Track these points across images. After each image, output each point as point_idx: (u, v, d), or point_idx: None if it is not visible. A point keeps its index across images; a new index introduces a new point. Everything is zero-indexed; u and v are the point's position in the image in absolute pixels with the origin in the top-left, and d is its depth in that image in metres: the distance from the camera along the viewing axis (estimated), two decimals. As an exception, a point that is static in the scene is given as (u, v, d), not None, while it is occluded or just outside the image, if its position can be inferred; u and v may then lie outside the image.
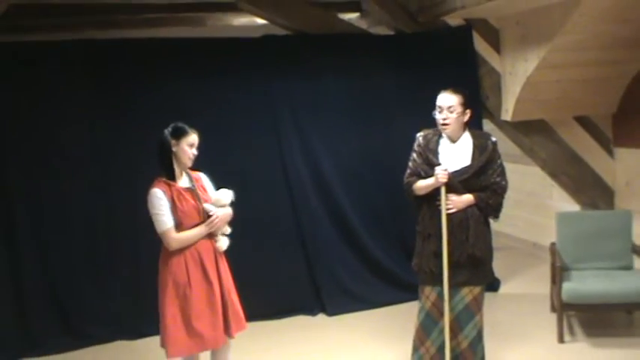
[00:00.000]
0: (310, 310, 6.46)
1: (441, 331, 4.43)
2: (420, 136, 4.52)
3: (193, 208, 4.20)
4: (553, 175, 7.16)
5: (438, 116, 4.36)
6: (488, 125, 7.04)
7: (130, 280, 5.86)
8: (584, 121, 7.02)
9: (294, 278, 6.42)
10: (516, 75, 6.46)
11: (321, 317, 6.42)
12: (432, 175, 4.32)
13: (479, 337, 4.46)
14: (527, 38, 6.22)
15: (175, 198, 4.15)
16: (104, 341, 5.89)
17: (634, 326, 5.75)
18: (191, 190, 4.26)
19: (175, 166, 4.23)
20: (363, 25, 7.26)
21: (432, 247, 4.38)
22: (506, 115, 6.71)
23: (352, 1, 7.05)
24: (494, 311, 6.36)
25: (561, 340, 5.45)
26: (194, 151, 4.26)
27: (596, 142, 7.05)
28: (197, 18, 7.02)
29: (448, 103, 4.32)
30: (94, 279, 5.91)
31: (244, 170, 6.14)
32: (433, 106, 4.44)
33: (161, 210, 4.12)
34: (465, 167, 4.34)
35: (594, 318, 5.89)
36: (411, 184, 4.45)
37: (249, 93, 6.23)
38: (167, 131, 4.22)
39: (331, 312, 6.43)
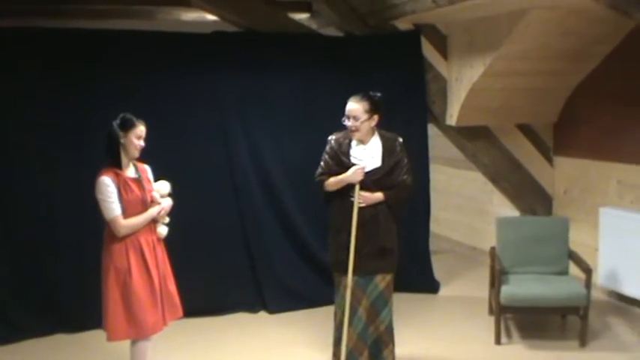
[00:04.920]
0: (251, 307, 6.47)
1: (360, 318, 4.64)
2: (332, 139, 4.74)
3: (138, 198, 4.29)
4: (494, 180, 7.30)
5: (347, 123, 4.58)
6: (432, 130, 7.14)
7: (73, 271, 5.77)
8: (526, 130, 7.19)
9: (236, 275, 6.41)
10: (462, 81, 6.58)
11: (262, 314, 6.43)
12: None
13: (391, 321, 4.77)
14: (474, 46, 6.34)
15: (122, 187, 4.22)
16: (43, 334, 5.79)
17: (567, 329, 5.89)
18: (137, 181, 4.35)
19: (123, 157, 4.29)
20: (313, 25, 7.29)
21: (344, 241, 4.59)
22: (451, 120, 6.82)
23: (303, 1, 7.06)
24: (434, 313, 6.48)
25: (498, 341, 5.57)
26: (141, 143, 4.33)
27: (536, 150, 7.23)
28: (146, 11, 6.94)
29: (353, 111, 4.55)
30: (35, 268, 5.79)
31: (189, 166, 6.11)
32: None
33: (110, 197, 4.19)
34: (376, 168, 4.61)
35: (530, 321, 6.03)
36: (323, 180, 4.68)
37: (197, 89, 6.19)
38: (115, 123, 4.27)
39: (272, 309, 6.45)
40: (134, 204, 4.27)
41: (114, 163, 4.25)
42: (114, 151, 4.26)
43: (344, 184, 4.58)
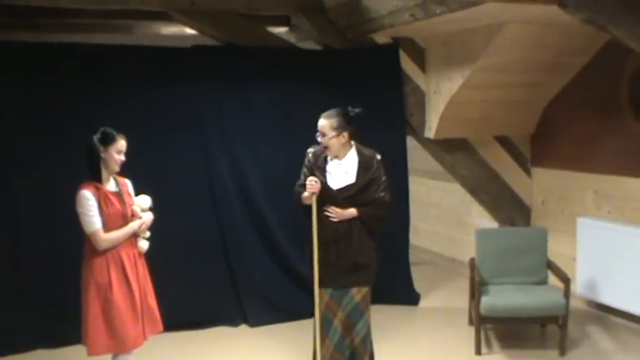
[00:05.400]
0: (232, 320, 6.45)
1: (336, 330, 4.70)
2: (309, 152, 4.79)
3: (118, 211, 4.28)
4: (473, 192, 7.35)
5: (319, 138, 4.63)
6: (411, 142, 7.19)
7: (52, 286, 5.72)
8: (503, 141, 7.25)
9: (217, 289, 6.40)
10: (440, 94, 6.62)
11: (243, 328, 6.42)
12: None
13: (368, 332, 4.79)
14: (452, 58, 6.39)
15: (102, 201, 4.21)
16: (23, 350, 5.72)
17: (546, 339, 5.94)
18: (118, 195, 4.33)
19: (103, 171, 4.28)
20: (292, 39, 7.31)
21: (321, 255, 4.62)
22: (430, 132, 6.87)
23: (282, 15, 7.09)
24: (414, 324, 6.51)
25: (478, 352, 5.59)
26: (122, 157, 4.32)
27: (514, 161, 7.29)
28: (125, 25, 6.93)
29: (321, 128, 4.60)
30: (14, 283, 5.73)
31: (169, 180, 6.10)
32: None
33: (90, 210, 4.17)
34: (350, 185, 4.63)
35: (510, 331, 6.07)
36: (299, 192, 4.71)
37: (177, 102, 6.19)
38: (96, 138, 4.26)
39: (253, 323, 6.44)
40: (115, 218, 4.25)
41: (94, 178, 4.24)
42: (94, 165, 4.25)
43: (312, 196, 4.59)
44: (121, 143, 4.30)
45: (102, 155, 4.24)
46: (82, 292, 4.28)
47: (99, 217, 4.18)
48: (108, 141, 4.25)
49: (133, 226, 4.34)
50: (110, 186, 4.33)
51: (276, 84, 6.54)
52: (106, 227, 4.21)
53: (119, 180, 4.43)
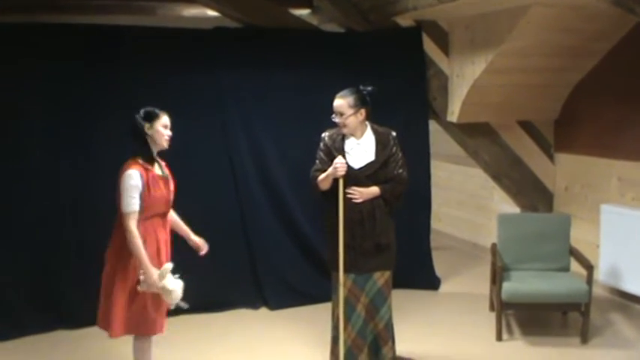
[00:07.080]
0: (252, 303, 6.47)
1: (359, 315, 4.68)
2: (325, 136, 4.75)
3: (163, 196, 4.23)
4: (495, 177, 7.30)
5: (335, 119, 4.59)
6: (433, 126, 7.14)
7: (73, 267, 5.74)
8: (527, 126, 7.19)
9: (237, 272, 6.41)
10: (463, 78, 6.57)
11: (263, 311, 6.43)
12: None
13: (390, 317, 4.80)
14: (476, 42, 6.33)
15: (150, 183, 4.14)
16: (43, 330, 5.76)
17: (568, 326, 5.90)
18: (165, 179, 4.28)
19: (153, 149, 4.22)
20: (314, 21, 7.28)
21: (344, 238, 4.57)
22: (452, 116, 6.82)
23: (304, -4, 7.08)
24: (434, 309, 6.48)
25: (499, 338, 5.57)
26: (169, 132, 4.27)
27: (537, 146, 7.23)
28: (147, 7, 6.93)
29: (338, 107, 4.57)
30: (36, 265, 5.76)
31: (190, 162, 6.08)
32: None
33: (133, 193, 4.06)
34: (370, 162, 4.61)
35: (531, 317, 6.04)
36: (316, 177, 4.66)
37: (198, 84, 6.18)
38: (139, 116, 4.19)
39: (273, 306, 6.45)
40: (159, 202, 4.20)
41: (145, 155, 4.17)
42: (142, 142, 4.17)
43: (331, 179, 4.56)
44: (165, 118, 4.24)
45: (149, 132, 4.17)
46: (114, 280, 4.17)
47: (139, 200, 4.08)
48: (152, 117, 4.20)
49: (148, 265, 4.08)
50: (156, 169, 4.27)
51: (297, 66, 6.51)
52: (149, 210, 4.14)
53: (162, 163, 4.36)
